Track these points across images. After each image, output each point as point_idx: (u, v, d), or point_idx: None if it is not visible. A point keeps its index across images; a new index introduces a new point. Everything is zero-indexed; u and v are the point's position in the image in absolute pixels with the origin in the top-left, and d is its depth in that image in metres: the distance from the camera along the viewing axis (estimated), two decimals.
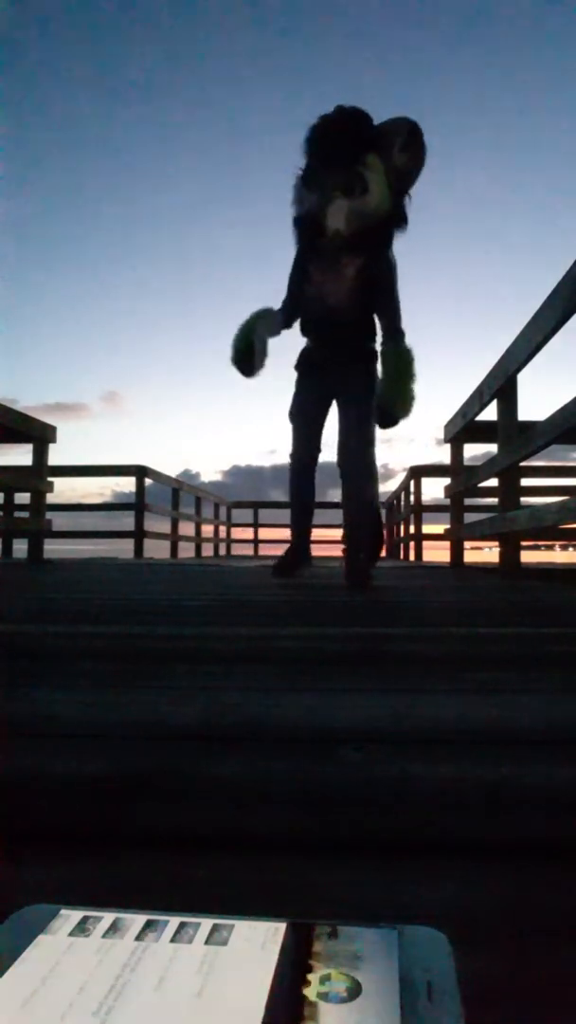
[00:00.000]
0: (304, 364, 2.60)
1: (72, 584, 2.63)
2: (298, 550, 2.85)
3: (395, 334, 2.41)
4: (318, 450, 2.66)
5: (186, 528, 8.46)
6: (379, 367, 2.47)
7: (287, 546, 2.95)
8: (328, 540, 9.23)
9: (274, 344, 2.54)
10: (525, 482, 3.99)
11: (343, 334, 2.47)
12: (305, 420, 2.59)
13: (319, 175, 2.19)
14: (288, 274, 2.56)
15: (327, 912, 0.28)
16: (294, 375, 2.70)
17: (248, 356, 2.39)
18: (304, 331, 2.62)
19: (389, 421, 2.44)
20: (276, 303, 2.64)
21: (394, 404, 2.37)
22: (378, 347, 2.48)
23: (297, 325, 2.62)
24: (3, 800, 0.42)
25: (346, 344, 2.48)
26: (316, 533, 3.03)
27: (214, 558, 8.41)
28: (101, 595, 2.11)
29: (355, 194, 2.17)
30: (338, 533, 6.94)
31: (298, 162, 2.32)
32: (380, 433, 2.55)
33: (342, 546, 2.95)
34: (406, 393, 2.35)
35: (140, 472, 6.74)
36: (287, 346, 2.72)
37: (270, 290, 2.68)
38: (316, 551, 4.18)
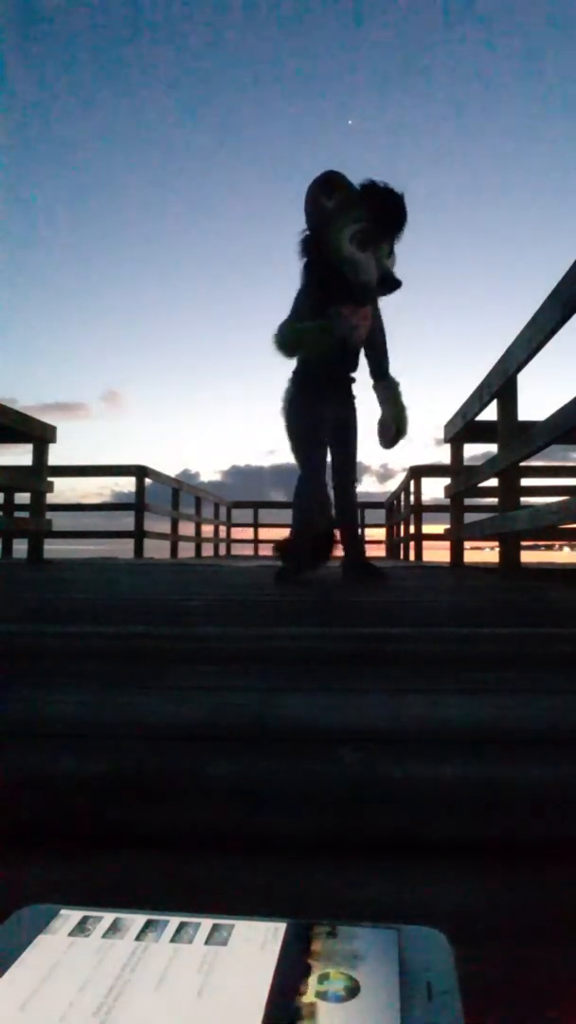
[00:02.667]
0: (314, 388, 2.90)
1: (72, 584, 2.63)
2: (303, 553, 2.97)
3: (388, 369, 2.99)
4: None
5: (186, 528, 8.46)
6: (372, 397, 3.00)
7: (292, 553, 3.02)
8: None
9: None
10: (525, 482, 3.98)
11: (349, 366, 2.98)
12: (321, 439, 2.95)
13: (375, 239, 2.68)
14: (296, 306, 2.84)
15: (327, 912, 0.28)
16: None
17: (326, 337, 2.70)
18: (316, 359, 2.87)
19: (394, 442, 2.95)
20: (275, 301, 2.82)
21: (404, 425, 2.94)
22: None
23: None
24: (3, 800, 0.42)
25: (346, 374, 3.00)
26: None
27: (214, 558, 8.41)
28: (101, 595, 2.11)
29: (387, 259, 2.78)
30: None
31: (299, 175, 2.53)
32: None
33: (339, 543, 3.11)
34: (406, 416, 2.96)
35: (140, 472, 6.73)
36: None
37: (270, 289, 2.77)
38: None
